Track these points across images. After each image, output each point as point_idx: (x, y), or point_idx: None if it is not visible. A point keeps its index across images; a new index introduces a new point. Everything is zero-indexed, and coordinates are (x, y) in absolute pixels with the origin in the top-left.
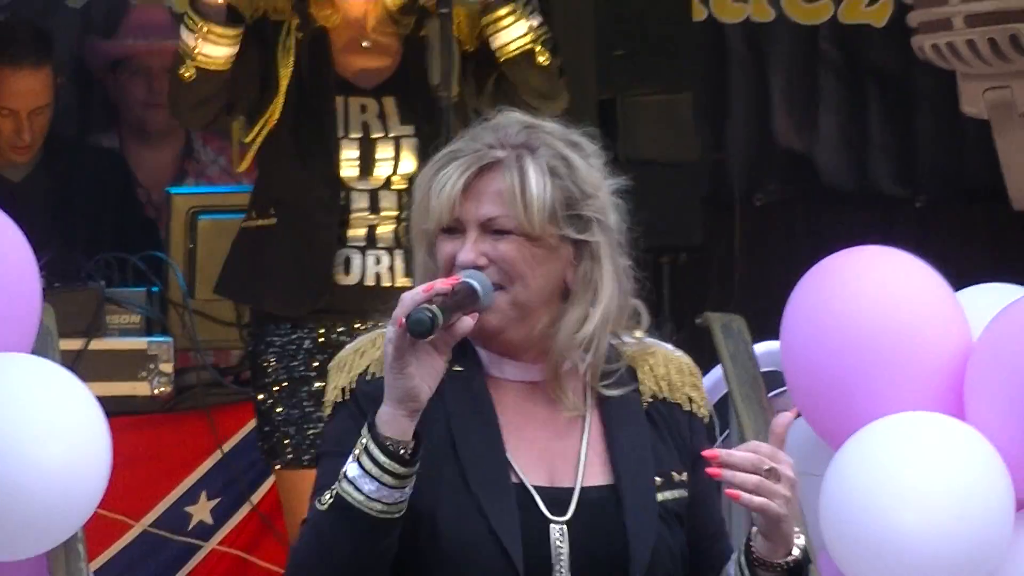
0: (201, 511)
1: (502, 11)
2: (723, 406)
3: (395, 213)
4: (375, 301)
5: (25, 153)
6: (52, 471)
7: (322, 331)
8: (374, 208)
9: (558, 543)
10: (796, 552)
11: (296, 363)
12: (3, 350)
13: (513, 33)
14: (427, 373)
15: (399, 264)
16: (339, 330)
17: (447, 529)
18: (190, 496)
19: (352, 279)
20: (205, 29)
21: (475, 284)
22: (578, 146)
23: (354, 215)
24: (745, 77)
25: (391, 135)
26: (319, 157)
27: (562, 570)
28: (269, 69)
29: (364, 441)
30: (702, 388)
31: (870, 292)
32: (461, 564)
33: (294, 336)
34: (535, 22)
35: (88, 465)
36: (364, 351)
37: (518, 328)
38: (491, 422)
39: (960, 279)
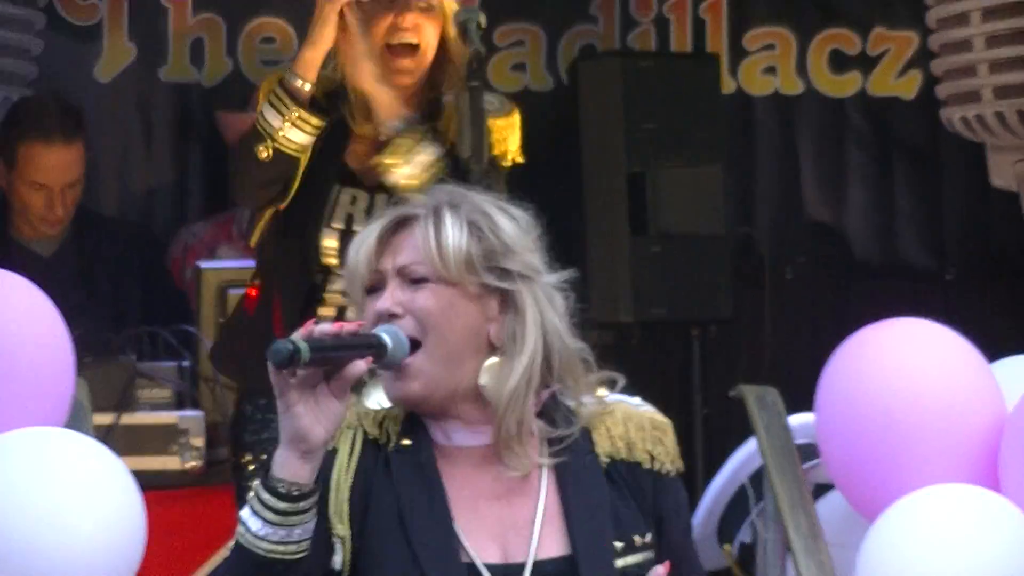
0: None
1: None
2: (758, 478)
3: None
4: None
5: (56, 226)
6: (88, 546)
7: None
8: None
9: None
10: None
11: (270, 436)
12: (37, 424)
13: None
14: (322, 415)
15: None
16: None
17: None
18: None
19: None
20: (296, 114)
21: (384, 336)
22: (506, 210)
23: (328, 295)
24: (774, 150)
25: None
26: (300, 240)
27: None
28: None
29: (256, 481)
30: (668, 442)
31: (905, 364)
32: None
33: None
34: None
35: (124, 539)
36: None
37: (442, 386)
38: (439, 498)
39: (990, 352)
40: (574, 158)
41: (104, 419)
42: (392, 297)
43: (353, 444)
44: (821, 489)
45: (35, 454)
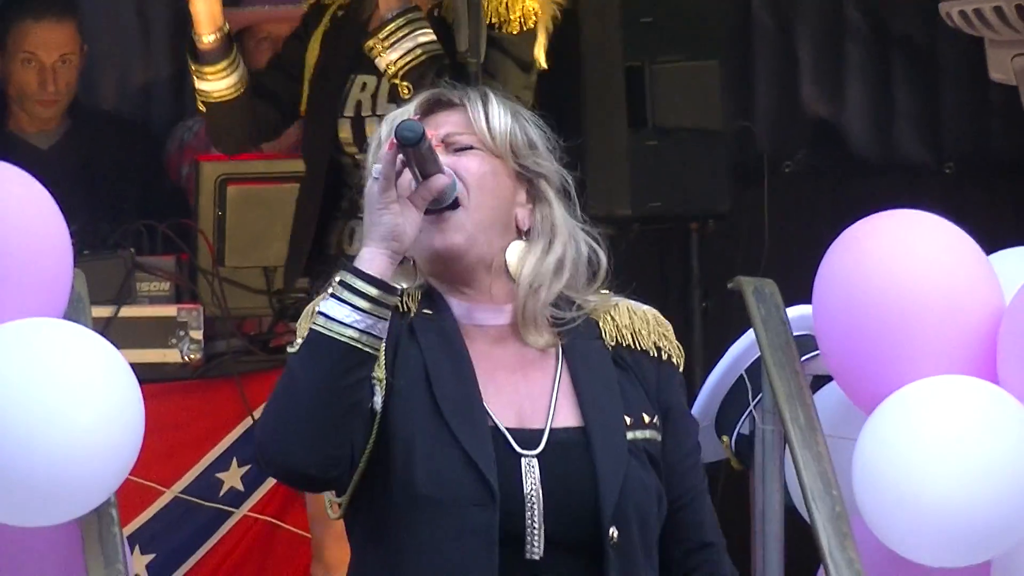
0: (232, 478)
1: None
2: (755, 370)
3: None
4: None
5: (50, 107)
6: (85, 436)
7: None
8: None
9: (530, 476)
10: None
11: None
12: (35, 315)
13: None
14: (408, 220)
15: None
16: None
17: (423, 460)
18: (221, 463)
19: (355, 248)
20: (193, 68)
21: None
22: (525, 115)
23: None
24: (772, 45)
25: (378, 113)
26: (315, 133)
27: (535, 501)
28: (298, 66)
29: (338, 276)
30: (672, 339)
31: (902, 255)
32: (436, 495)
33: None
34: (409, 45)
35: (121, 430)
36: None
37: (478, 246)
38: (464, 363)
39: (988, 246)
40: (572, 52)
41: (103, 312)
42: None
43: None
44: (819, 381)
45: (33, 345)
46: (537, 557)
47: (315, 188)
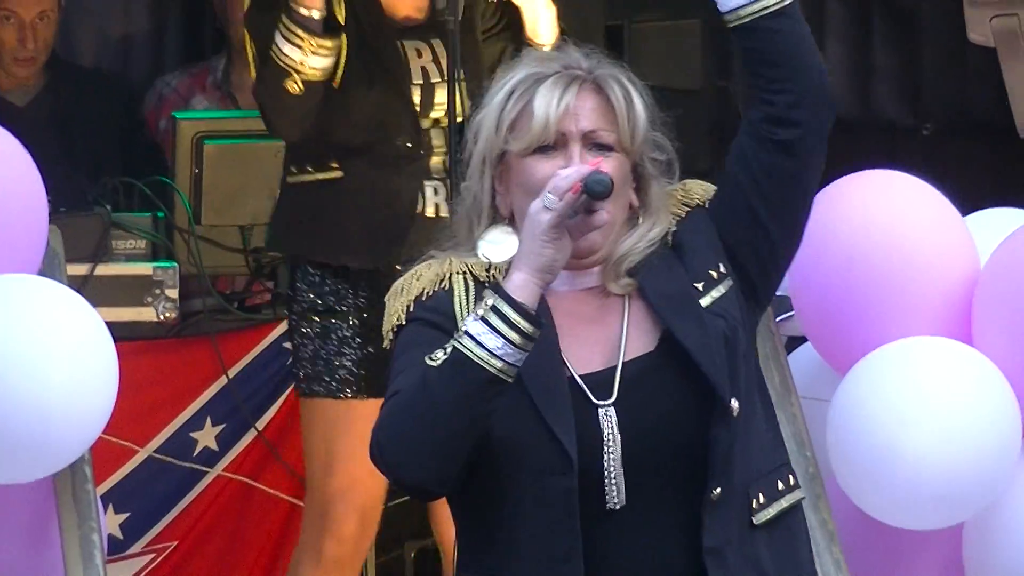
0: (207, 437)
1: None
2: None
3: (444, 148)
4: (432, 231)
5: (29, 66)
6: (59, 392)
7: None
8: (429, 145)
9: (606, 426)
10: None
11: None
12: (10, 272)
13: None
14: (564, 253)
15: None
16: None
17: (499, 423)
18: (196, 422)
19: (429, 211)
20: (314, 44)
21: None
22: (647, 95)
23: (436, 156)
24: None
25: (445, 79)
26: (397, 105)
27: (613, 450)
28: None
29: (491, 302)
30: (689, 191)
31: (878, 216)
32: (514, 456)
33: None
34: None
35: (96, 387)
36: (420, 274)
37: (608, 242)
38: (548, 329)
39: (964, 207)
40: None
41: (79, 270)
42: (584, 159)
43: (466, 284)
44: (794, 342)
45: (7, 301)
46: (617, 506)
47: (414, 159)
